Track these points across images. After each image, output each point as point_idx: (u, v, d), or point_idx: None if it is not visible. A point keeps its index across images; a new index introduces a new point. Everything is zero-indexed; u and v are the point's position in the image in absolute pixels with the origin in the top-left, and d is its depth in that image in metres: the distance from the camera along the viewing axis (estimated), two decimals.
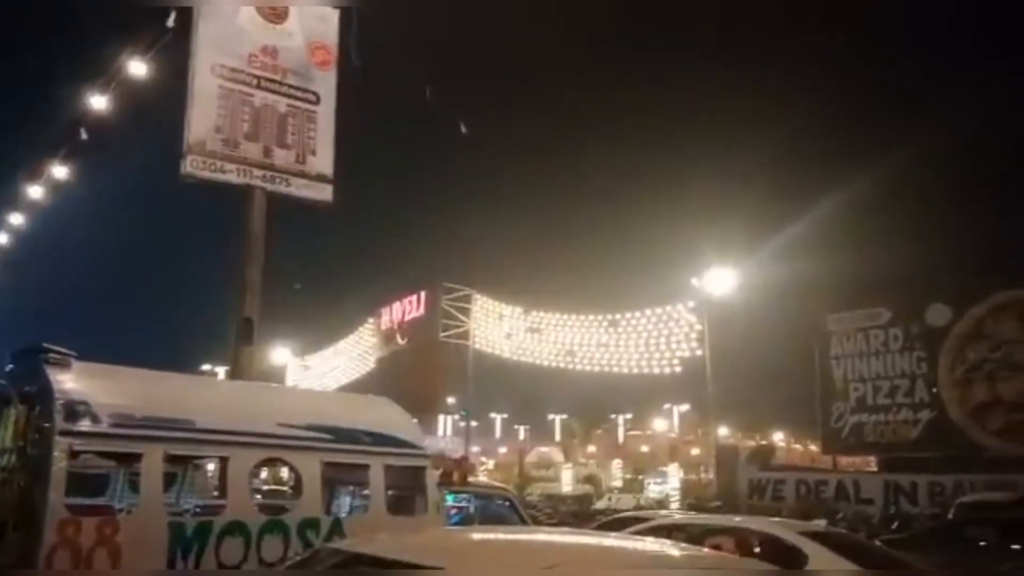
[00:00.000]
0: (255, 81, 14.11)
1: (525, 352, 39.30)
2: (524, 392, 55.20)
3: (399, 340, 41.44)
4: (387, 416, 6.73)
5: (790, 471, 32.59)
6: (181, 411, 5.34)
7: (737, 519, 8.97)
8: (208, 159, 13.36)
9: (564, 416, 70.38)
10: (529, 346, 39.22)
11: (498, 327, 39.92)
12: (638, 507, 32.52)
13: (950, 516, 16.30)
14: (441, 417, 58.06)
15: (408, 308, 41.16)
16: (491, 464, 58.91)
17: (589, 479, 57.21)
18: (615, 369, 36.96)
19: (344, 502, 7.07)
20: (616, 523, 9.79)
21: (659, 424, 67.12)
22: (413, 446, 6.57)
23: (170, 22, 14.76)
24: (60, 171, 21.63)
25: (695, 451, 54.95)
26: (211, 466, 6.89)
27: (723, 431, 47.93)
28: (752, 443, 45.45)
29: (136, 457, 5.20)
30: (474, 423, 51.60)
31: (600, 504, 38.86)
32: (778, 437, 57.34)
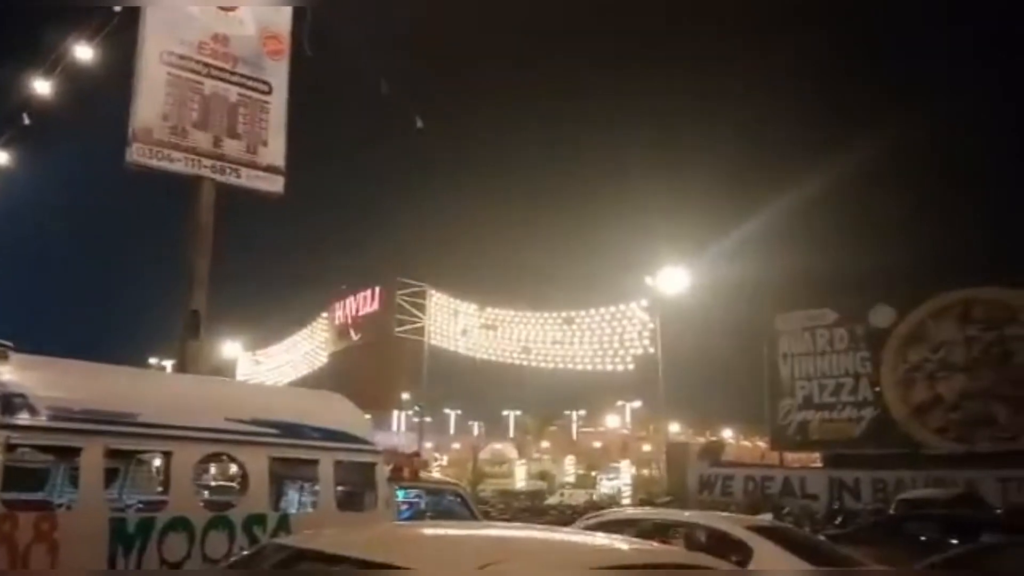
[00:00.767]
0: (205, 69, 13.81)
1: (480, 348, 39.28)
2: (478, 388, 55.20)
3: (353, 335, 41.06)
4: (337, 412, 6.67)
5: (739, 467, 33.15)
6: (123, 404, 5.21)
7: (686, 514, 9.12)
8: (155, 147, 13.04)
9: (518, 412, 70.59)
10: (484, 343, 39.21)
11: (453, 323, 39.83)
12: (591, 503, 32.78)
13: (892, 512, 16.73)
14: (395, 413, 57.78)
15: (362, 303, 40.79)
16: (445, 460, 58.79)
17: (542, 475, 57.46)
18: (569, 366, 37.17)
19: (292, 498, 6.99)
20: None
21: (612, 421, 67.79)
22: (364, 442, 6.52)
23: (118, 7, 14.40)
24: (1, 157, 20.97)
25: (647, 447, 55.54)
26: (156, 461, 6.76)
27: (674, 428, 48.62)
28: (703, 439, 46.09)
29: (75, 451, 5.06)
30: (428, 419, 51.40)
31: (552, 500, 39.05)
32: (728, 434, 58.28)
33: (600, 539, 3.99)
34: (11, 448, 4.76)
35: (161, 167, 13.20)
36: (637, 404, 62.73)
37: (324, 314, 44.86)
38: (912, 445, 28.85)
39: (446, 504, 9.40)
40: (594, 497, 40.96)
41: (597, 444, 64.19)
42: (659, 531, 7.13)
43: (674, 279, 32.72)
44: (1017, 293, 28.22)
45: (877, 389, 30.66)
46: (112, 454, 5.32)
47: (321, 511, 6.09)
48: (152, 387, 6.35)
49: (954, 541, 10.22)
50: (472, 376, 43.37)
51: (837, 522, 18.36)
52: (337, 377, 37.08)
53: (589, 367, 36.44)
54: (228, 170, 13.79)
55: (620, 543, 3.84)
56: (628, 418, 66.99)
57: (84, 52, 16.54)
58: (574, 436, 69.11)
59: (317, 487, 6.23)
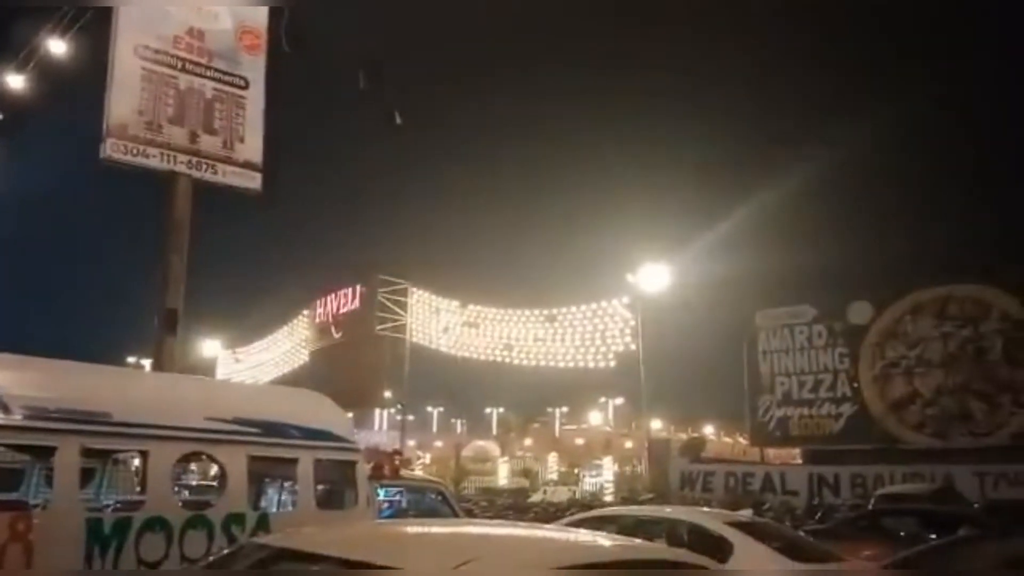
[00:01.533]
0: (180, 64, 13.66)
1: (462, 346, 39.26)
2: (461, 386, 55.25)
3: (334, 333, 40.89)
4: (318, 410, 6.62)
5: (719, 464, 33.38)
6: (99, 403, 5.14)
7: (667, 510, 9.16)
8: (130, 143, 12.87)
9: (501, 410, 70.70)
10: (466, 340, 39.18)
11: (435, 321, 39.77)
12: (573, 500, 32.85)
13: (870, 507, 16.88)
14: (377, 411, 57.63)
15: (343, 301, 40.62)
16: (427, 458, 58.72)
17: (525, 472, 57.55)
18: (551, 363, 37.23)
19: (272, 497, 6.94)
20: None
21: (594, 418, 68.03)
22: (344, 440, 6.48)
23: (91, 1, 14.20)
24: None
25: (629, 444, 55.81)
26: (134, 461, 6.68)
27: (656, 424, 48.82)
28: (684, 436, 46.34)
29: (50, 451, 4.98)
30: (410, 417, 51.34)
31: (536, 497, 39.11)
32: (709, 430, 58.63)
33: (582, 536, 3.99)
34: None
35: (136, 163, 13.03)
36: (619, 401, 63.03)
37: (305, 312, 44.65)
38: (890, 441, 29.17)
39: (428, 502, 9.37)
40: (577, 494, 41.08)
41: (580, 441, 64.37)
42: (641, 527, 7.15)
43: (655, 276, 32.87)
44: (992, 290, 28.58)
45: (855, 385, 30.97)
46: (88, 453, 5.25)
47: (301, 510, 6.04)
48: (129, 386, 6.27)
49: (933, 536, 10.32)
50: (454, 374, 43.42)
51: (817, 517, 18.49)
52: (318, 375, 36.93)
53: (571, 364, 36.53)
54: (204, 166, 13.64)
55: (602, 539, 3.84)
56: (611, 415, 67.26)
57: (57, 46, 16.30)
58: (557, 433, 69.26)
59: (297, 486, 6.18)
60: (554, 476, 56.10)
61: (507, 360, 38.30)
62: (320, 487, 6.28)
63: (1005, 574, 5.43)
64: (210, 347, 50.59)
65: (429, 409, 69.94)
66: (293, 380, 38.98)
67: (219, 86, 14.06)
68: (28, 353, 5.53)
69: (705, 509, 9.33)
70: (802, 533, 10.26)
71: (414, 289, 39.50)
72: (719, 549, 6.21)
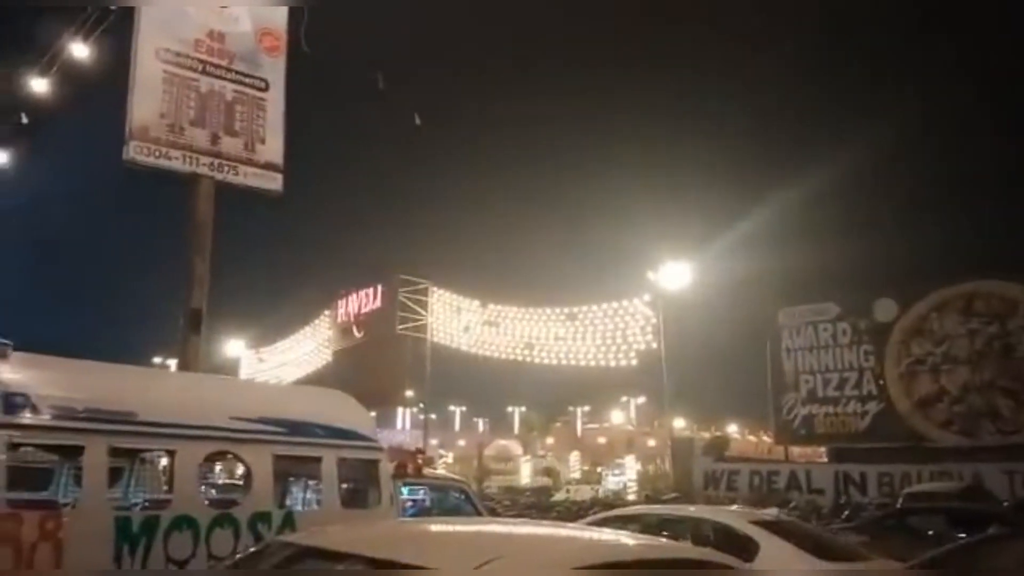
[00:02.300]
0: (201, 66, 13.78)
1: (483, 345, 39.26)
2: (482, 385, 55.37)
3: (356, 333, 41.04)
4: (341, 409, 6.65)
5: (744, 462, 33.13)
6: (126, 403, 5.19)
7: (691, 509, 9.08)
8: (152, 145, 13.01)
9: (523, 409, 70.73)
10: (487, 339, 39.18)
11: (456, 320, 39.81)
12: (596, 499, 32.78)
13: (898, 506, 16.69)
14: (400, 410, 57.83)
15: (365, 301, 40.77)
16: (450, 457, 58.87)
17: (548, 471, 57.53)
18: (573, 362, 37.13)
19: (297, 495, 6.99)
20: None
21: (616, 416, 67.89)
22: (367, 439, 6.50)
23: (113, 4, 14.36)
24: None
25: (651, 443, 55.61)
26: (160, 460, 6.75)
27: (679, 423, 48.58)
28: (707, 434, 46.08)
29: (78, 450, 5.05)
30: (433, 416, 51.49)
31: (559, 496, 39.06)
32: (732, 428, 58.29)
33: (606, 535, 3.97)
34: (14, 447, 4.75)
35: (159, 165, 13.16)
36: (641, 400, 62.80)
37: (327, 312, 44.87)
38: (917, 439, 28.82)
39: (451, 501, 9.38)
40: (599, 493, 41.00)
41: (602, 440, 64.27)
42: (665, 526, 7.11)
43: (676, 274, 32.71)
44: (1018, 287, 28.17)
45: (881, 383, 30.62)
46: (116, 453, 5.31)
47: (326, 508, 6.07)
48: (155, 386, 6.33)
49: (961, 534, 10.18)
50: (476, 373, 43.42)
51: (843, 516, 18.31)
52: (341, 375, 37.07)
53: (592, 363, 36.41)
54: (226, 168, 13.75)
55: (626, 538, 3.81)
56: (633, 414, 67.04)
57: (80, 50, 16.51)
58: (579, 432, 69.17)
59: (321, 485, 6.22)
60: (576, 475, 56.03)
61: (528, 359, 38.26)
62: (344, 486, 6.31)
63: None
64: (234, 347, 51.00)
65: (451, 408, 70.16)
66: (316, 380, 39.19)
67: (240, 88, 14.17)
68: (55, 354, 5.60)
69: (730, 508, 9.24)
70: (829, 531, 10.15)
71: (435, 289, 39.56)
72: (745, 549, 6.15)
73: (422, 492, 9.38)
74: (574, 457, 60.16)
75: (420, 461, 8.41)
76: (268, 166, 14.29)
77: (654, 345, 33.43)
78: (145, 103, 13.12)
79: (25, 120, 18.82)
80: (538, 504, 30.08)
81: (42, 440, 5.10)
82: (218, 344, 45.45)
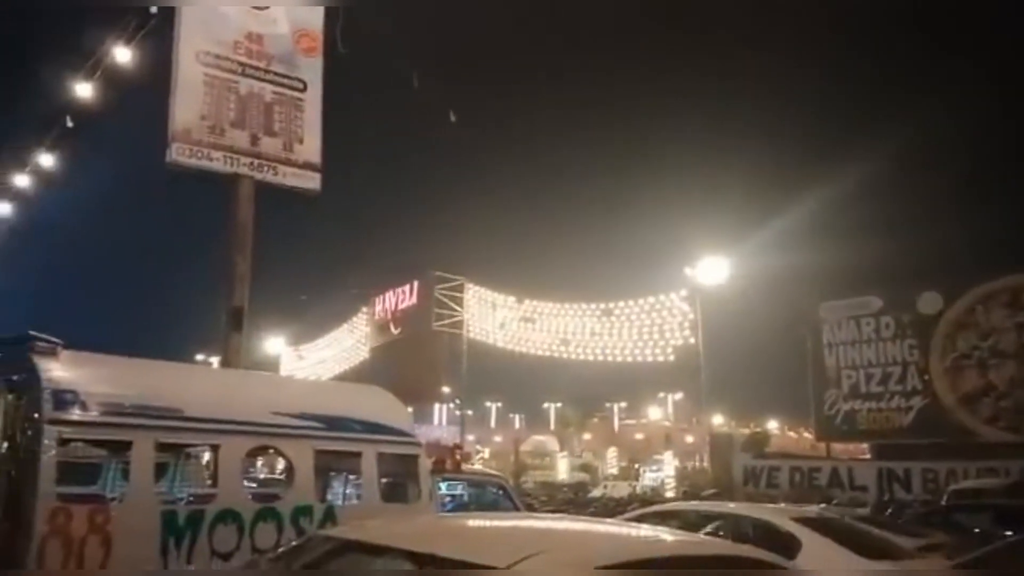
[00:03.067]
0: (240, 68, 14.00)
1: (519, 341, 39.26)
2: (519, 381, 55.29)
3: (393, 330, 41.32)
4: (380, 404, 6.72)
5: (785, 459, 32.67)
6: (171, 399, 5.30)
7: (731, 506, 8.99)
8: (194, 147, 13.25)
9: (559, 405, 70.60)
10: (523, 335, 39.17)
11: (492, 316, 39.86)
12: (634, 495, 32.64)
13: (943, 503, 16.36)
14: (436, 406, 58.12)
15: (401, 298, 41.02)
16: (486, 453, 59.04)
17: (585, 467, 57.40)
18: (609, 358, 36.95)
19: (337, 490, 7.08)
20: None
21: (654, 412, 67.43)
22: (406, 434, 6.56)
23: (154, 8, 14.63)
24: (46, 160, 21.47)
25: (690, 439, 55.15)
26: (205, 455, 6.87)
27: (717, 419, 48.14)
28: (746, 430, 45.55)
29: (126, 445, 5.16)
30: (469, 412, 51.66)
31: (596, 492, 38.97)
32: (772, 424, 57.59)
33: (645, 530, 3.95)
34: (64, 443, 4.87)
35: (201, 166, 13.42)
36: (679, 395, 62.28)
37: (364, 309, 45.26)
38: (962, 434, 28.19)
39: (489, 496, 9.41)
40: (637, 489, 40.82)
41: (639, 436, 63.91)
42: (704, 523, 7.06)
43: (714, 268, 32.37)
44: None
45: (926, 378, 30.00)
46: (162, 448, 5.42)
47: (366, 503, 6.14)
48: (199, 382, 6.46)
49: (1008, 532, 9.95)
50: (512, 369, 43.43)
51: (887, 513, 17.98)
52: (378, 371, 37.37)
53: (629, 359, 36.20)
54: (266, 168, 13.96)
55: (665, 535, 3.80)
56: (670, 409, 66.55)
57: (123, 54, 16.85)
58: (616, 428, 68.87)
59: (361, 479, 6.29)
60: (614, 471, 55.81)
61: (564, 355, 38.16)
62: (384, 480, 6.38)
63: None
64: (274, 344, 51.67)
65: (487, 404, 70.27)
66: (354, 376, 39.58)
67: (278, 89, 14.37)
68: (103, 352, 5.73)
69: (770, 505, 9.12)
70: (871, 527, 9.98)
71: (470, 285, 39.65)
72: (786, 546, 6.08)
73: (460, 487, 9.43)
74: (611, 453, 59.92)
75: (458, 457, 8.46)
76: (306, 165, 14.47)
77: (691, 340, 33.14)
78: (186, 105, 13.37)
79: (71, 124, 19.26)
80: (575, 500, 30.03)
81: (91, 436, 5.23)
82: (258, 341, 46.09)
